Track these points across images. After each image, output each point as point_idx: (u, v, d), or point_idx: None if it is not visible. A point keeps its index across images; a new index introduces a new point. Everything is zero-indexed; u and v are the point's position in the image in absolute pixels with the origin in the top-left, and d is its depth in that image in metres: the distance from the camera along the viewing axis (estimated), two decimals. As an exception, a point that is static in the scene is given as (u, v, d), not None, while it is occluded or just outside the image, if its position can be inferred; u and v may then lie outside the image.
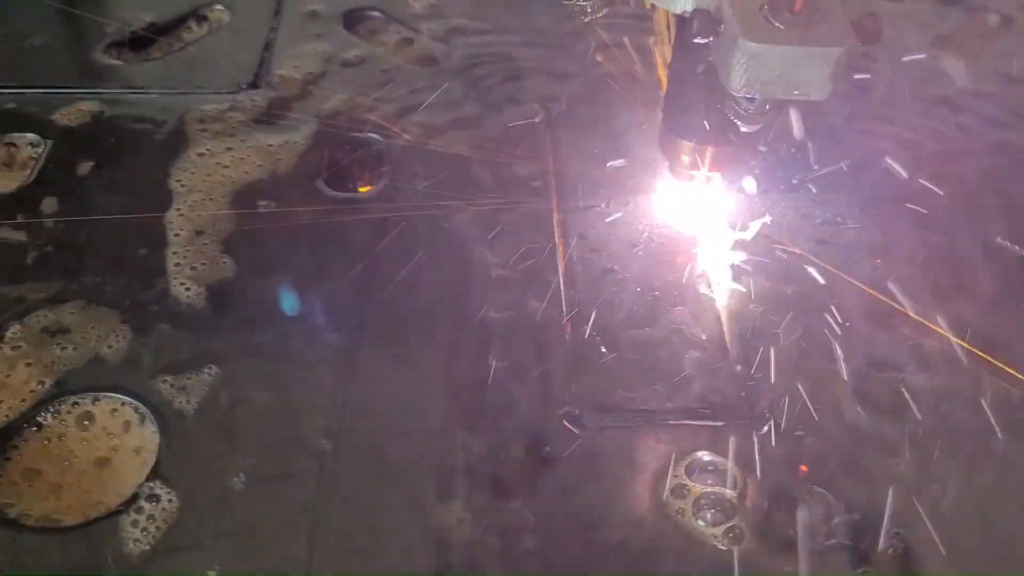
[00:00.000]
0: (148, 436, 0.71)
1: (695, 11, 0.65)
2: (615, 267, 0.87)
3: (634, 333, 0.81)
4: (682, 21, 0.70)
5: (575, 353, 0.79)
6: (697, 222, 0.88)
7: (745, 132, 0.70)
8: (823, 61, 0.60)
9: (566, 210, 0.91)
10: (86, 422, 0.72)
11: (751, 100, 0.67)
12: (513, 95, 1.06)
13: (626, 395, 0.76)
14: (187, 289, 0.82)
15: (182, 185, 0.92)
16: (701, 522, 0.69)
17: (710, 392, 0.77)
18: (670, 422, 0.75)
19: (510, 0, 1.21)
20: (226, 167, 0.94)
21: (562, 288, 0.84)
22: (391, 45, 1.14)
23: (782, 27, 0.60)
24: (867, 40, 0.63)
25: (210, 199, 0.90)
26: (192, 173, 0.93)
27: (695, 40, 0.64)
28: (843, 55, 0.61)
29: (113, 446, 0.71)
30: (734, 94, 0.65)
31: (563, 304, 0.83)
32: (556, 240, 0.88)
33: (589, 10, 0.77)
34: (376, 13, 1.17)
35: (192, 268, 0.84)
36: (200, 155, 0.95)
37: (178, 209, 0.89)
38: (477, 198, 0.91)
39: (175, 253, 0.85)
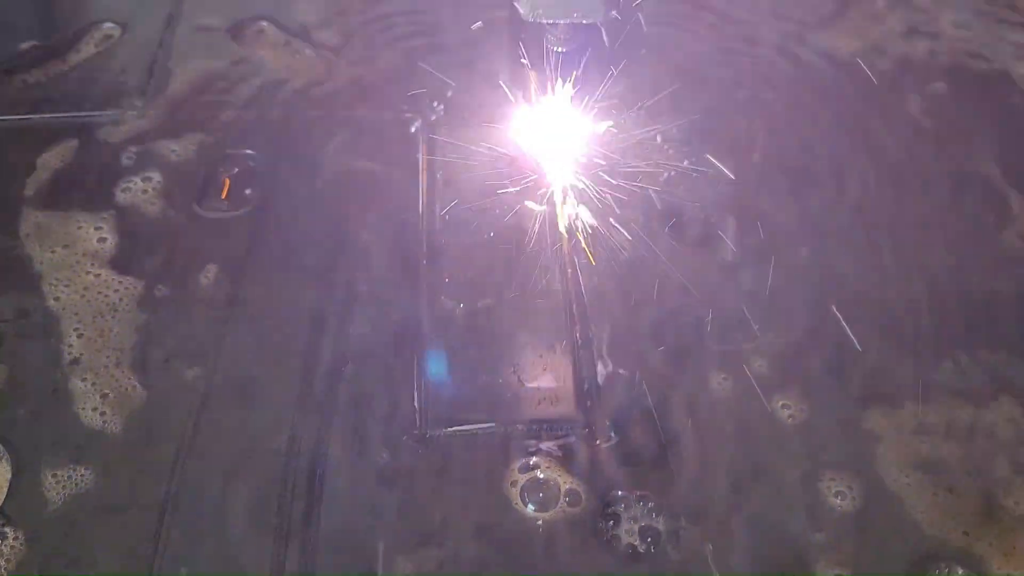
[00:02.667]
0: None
1: None
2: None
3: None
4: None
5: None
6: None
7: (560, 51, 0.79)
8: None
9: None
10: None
11: (556, 26, 0.77)
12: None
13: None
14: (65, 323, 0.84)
15: (57, 211, 0.94)
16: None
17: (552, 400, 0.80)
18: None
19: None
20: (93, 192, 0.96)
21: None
22: (278, 54, 1.14)
23: None
24: None
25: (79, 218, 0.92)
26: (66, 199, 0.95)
27: None
28: None
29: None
30: (526, 19, 0.75)
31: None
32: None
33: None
34: (264, 23, 1.17)
35: (56, 298, 0.86)
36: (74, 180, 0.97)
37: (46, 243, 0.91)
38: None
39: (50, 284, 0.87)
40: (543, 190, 0.93)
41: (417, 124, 1.03)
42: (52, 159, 0.99)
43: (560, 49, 0.79)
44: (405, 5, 1.18)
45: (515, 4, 0.75)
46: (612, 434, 0.77)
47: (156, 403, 0.79)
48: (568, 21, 0.75)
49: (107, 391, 0.79)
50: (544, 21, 0.75)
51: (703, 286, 0.87)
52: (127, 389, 0.79)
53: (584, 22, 0.75)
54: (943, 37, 1.15)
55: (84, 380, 0.80)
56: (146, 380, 0.80)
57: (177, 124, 1.03)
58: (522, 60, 0.80)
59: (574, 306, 0.86)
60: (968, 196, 0.98)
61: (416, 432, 0.77)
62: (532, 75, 0.83)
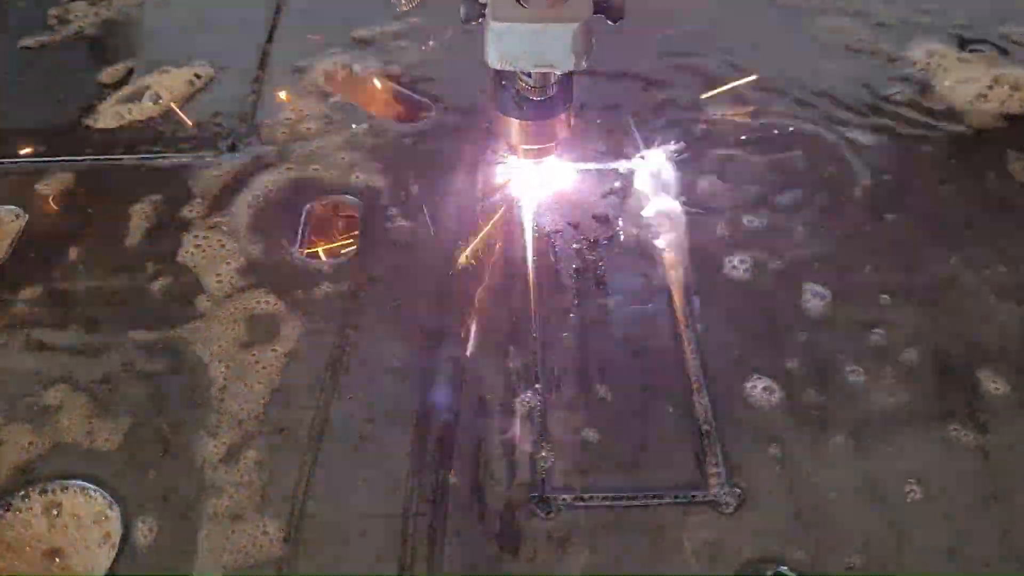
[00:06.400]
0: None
1: None
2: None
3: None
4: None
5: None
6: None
7: (537, 101, 0.77)
8: (560, 36, 0.67)
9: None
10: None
11: (530, 75, 0.74)
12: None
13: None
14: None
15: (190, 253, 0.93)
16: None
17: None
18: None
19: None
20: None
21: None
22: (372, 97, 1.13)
23: (526, 7, 0.67)
24: (612, 17, 0.70)
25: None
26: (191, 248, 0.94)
27: (463, 23, 0.71)
28: (579, 31, 0.67)
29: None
30: (493, 67, 0.71)
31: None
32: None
33: (404, 3, 0.79)
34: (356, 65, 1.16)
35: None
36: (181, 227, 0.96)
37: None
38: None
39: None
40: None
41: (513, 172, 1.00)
42: (146, 208, 0.98)
43: (536, 98, 0.76)
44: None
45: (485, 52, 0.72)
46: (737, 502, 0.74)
47: (267, 462, 0.76)
48: (538, 71, 0.72)
49: (220, 448, 0.77)
50: (513, 69, 0.72)
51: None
52: (241, 446, 0.77)
53: (555, 72, 0.72)
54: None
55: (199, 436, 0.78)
56: (257, 440, 0.78)
57: (275, 167, 1.02)
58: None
59: (688, 362, 0.83)
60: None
61: (536, 496, 0.74)
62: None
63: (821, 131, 1.05)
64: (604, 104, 1.09)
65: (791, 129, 1.05)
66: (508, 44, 0.68)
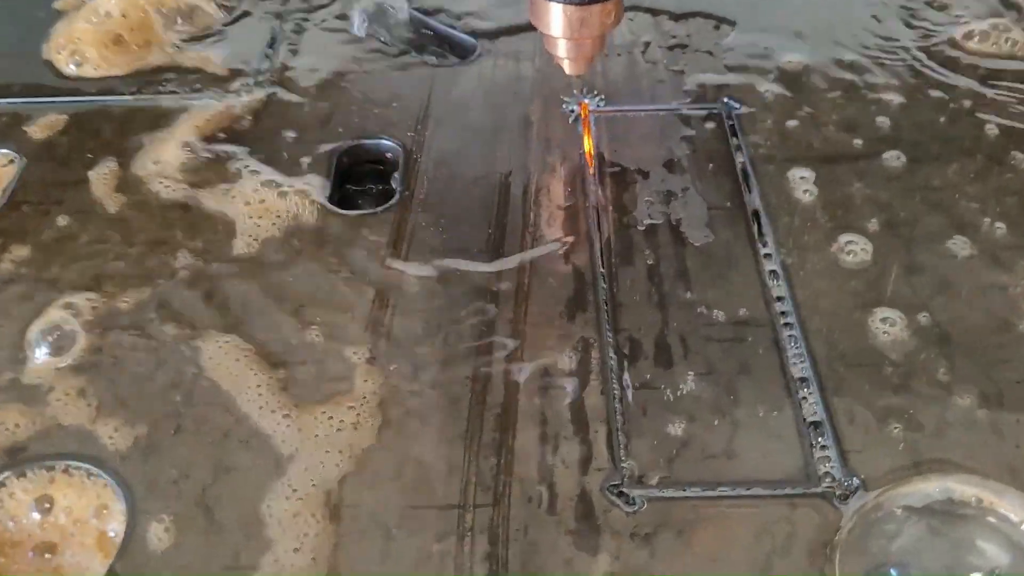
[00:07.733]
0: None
1: None
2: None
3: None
4: None
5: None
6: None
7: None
8: None
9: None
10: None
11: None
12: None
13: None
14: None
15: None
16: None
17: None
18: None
19: None
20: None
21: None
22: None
23: None
24: None
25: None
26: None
27: None
28: None
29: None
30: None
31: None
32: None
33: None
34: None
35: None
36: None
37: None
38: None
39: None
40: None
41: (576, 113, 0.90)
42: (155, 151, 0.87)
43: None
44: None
45: None
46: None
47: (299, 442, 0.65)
48: None
49: (242, 428, 0.66)
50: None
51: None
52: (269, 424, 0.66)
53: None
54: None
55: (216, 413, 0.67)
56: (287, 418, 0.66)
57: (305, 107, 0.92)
58: None
59: (788, 330, 0.71)
60: None
61: (615, 486, 0.62)
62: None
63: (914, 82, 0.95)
64: (671, 43, 0.99)
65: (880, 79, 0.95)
66: None
